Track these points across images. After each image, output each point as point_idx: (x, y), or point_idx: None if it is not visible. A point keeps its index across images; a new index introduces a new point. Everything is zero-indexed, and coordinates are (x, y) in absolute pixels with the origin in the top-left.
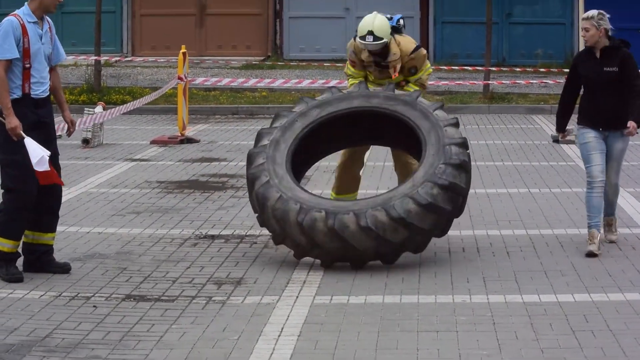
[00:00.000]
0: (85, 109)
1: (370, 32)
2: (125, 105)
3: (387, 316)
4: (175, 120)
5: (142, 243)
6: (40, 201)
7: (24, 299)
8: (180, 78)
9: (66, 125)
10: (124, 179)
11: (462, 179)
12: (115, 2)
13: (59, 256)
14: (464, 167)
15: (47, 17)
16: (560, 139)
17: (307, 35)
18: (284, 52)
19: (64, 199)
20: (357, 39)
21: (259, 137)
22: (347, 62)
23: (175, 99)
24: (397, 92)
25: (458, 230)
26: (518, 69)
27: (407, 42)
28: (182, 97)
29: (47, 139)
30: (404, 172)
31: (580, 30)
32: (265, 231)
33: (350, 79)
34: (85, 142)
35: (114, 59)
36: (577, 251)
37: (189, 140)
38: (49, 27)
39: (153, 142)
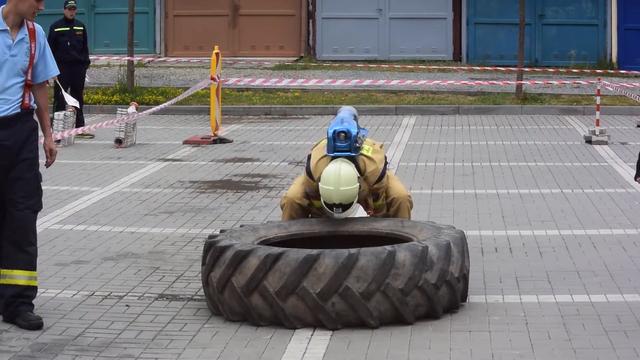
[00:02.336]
0: (118, 109)
1: (339, 205)
2: (156, 106)
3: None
4: (208, 121)
5: (175, 242)
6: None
7: (56, 298)
8: (213, 78)
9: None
10: (157, 178)
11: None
12: (148, 2)
13: (92, 255)
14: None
15: (31, 26)
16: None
17: (340, 36)
18: (317, 52)
19: (97, 198)
20: (323, 205)
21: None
22: (297, 187)
23: (208, 99)
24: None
25: (491, 230)
26: (551, 70)
27: (371, 170)
28: (215, 98)
29: (4, 165)
30: None
31: None
32: None
33: (284, 210)
34: (118, 142)
35: (146, 60)
36: (610, 251)
37: (222, 140)
38: (31, 37)
39: (186, 142)
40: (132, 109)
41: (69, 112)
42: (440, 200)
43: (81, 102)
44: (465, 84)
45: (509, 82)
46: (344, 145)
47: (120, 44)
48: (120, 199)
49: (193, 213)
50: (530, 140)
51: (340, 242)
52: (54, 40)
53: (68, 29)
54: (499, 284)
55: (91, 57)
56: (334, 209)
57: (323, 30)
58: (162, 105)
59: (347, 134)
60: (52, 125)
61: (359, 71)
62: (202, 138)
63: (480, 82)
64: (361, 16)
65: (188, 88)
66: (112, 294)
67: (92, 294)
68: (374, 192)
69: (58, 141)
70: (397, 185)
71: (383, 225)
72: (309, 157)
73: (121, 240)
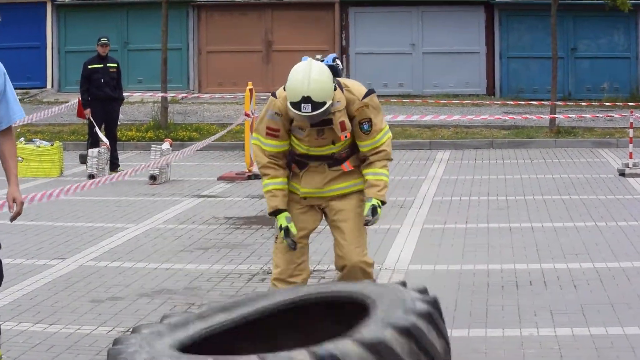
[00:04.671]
0: (152, 145)
1: (307, 99)
2: (193, 145)
3: (455, 350)
4: (242, 157)
5: (210, 279)
6: None
7: (92, 335)
8: (247, 114)
9: (15, 203)
10: (192, 215)
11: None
12: (181, 39)
13: (127, 292)
14: (435, 323)
15: None
16: None
17: (374, 71)
18: None
19: (131, 235)
20: (289, 106)
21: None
22: (256, 138)
23: (243, 135)
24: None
25: (525, 263)
26: (584, 103)
27: (355, 84)
28: (249, 134)
29: None
30: None
31: None
32: (333, 266)
33: (265, 175)
34: (153, 178)
35: (180, 96)
36: None
37: (257, 177)
38: None
39: (220, 179)
40: (166, 145)
41: (102, 149)
42: (475, 235)
43: (115, 139)
44: (498, 118)
45: (542, 115)
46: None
47: (154, 81)
48: (155, 236)
49: (228, 249)
50: (564, 173)
51: (293, 313)
52: (88, 77)
53: (101, 65)
54: (534, 317)
55: (125, 94)
56: (302, 105)
57: (357, 65)
58: (203, 143)
59: (320, 59)
60: (86, 162)
61: (392, 106)
62: (236, 174)
63: (514, 116)
64: (394, 51)
65: (222, 124)
66: None
67: (128, 331)
68: (361, 119)
69: (92, 177)
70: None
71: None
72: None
73: (156, 277)
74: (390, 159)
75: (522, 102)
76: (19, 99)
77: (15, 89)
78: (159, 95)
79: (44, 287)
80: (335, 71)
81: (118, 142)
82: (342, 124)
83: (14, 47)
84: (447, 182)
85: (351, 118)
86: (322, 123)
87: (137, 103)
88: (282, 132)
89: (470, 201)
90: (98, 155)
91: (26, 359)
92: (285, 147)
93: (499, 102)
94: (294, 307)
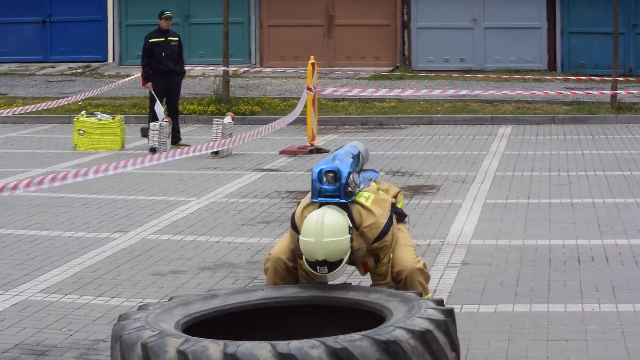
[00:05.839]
0: (214, 119)
1: (323, 262)
2: (261, 128)
3: (517, 325)
4: (304, 131)
5: None
6: None
7: None
8: (309, 88)
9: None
10: (254, 188)
11: (446, 347)
12: (242, 13)
13: (189, 265)
14: (447, 332)
15: None
16: None
17: (435, 45)
18: (412, 62)
19: (193, 208)
20: (305, 262)
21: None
22: (283, 244)
23: (305, 109)
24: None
25: (587, 239)
26: None
27: (369, 223)
28: (311, 108)
29: None
30: None
31: None
32: None
33: (267, 273)
34: (215, 152)
35: (242, 70)
36: None
37: (319, 150)
38: None
39: (282, 152)
40: (228, 119)
41: (164, 123)
42: (536, 210)
43: (176, 113)
44: (560, 93)
45: (603, 91)
46: (332, 188)
47: (215, 55)
48: (217, 209)
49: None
50: (625, 149)
51: (299, 314)
52: (149, 51)
53: (163, 39)
54: (596, 293)
55: (186, 68)
56: (318, 267)
57: (418, 40)
58: (270, 127)
59: (335, 174)
60: (147, 135)
61: (454, 81)
62: (298, 148)
63: (575, 91)
64: (456, 26)
65: (284, 98)
66: None
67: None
68: (374, 253)
69: (153, 150)
70: (405, 253)
71: (350, 295)
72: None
73: (218, 250)
74: (391, 286)
75: (584, 78)
76: (80, 73)
77: (76, 62)
78: (221, 69)
79: (106, 260)
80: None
81: (180, 115)
82: (365, 264)
83: (75, 20)
84: (509, 157)
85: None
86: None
87: (199, 77)
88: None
89: (532, 176)
90: (160, 128)
91: (88, 332)
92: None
93: (560, 78)
94: (309, 305)
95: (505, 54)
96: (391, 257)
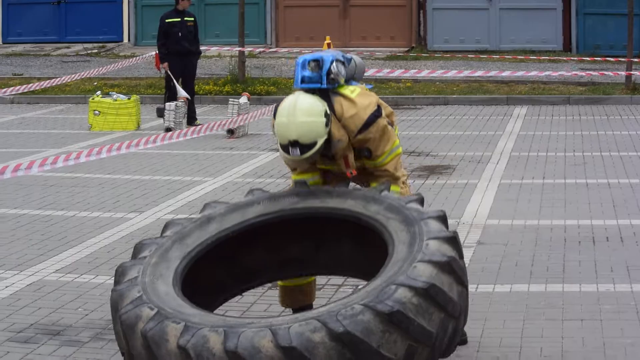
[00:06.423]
0: (230, 99)
1: (295, 143)
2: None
3: (532, 304)
4: None
5: None
6: None
7: None
8: None
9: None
10: (269, 168)
11: (452, 290)
12: None
13: None
14: (452, 270)
15: None
16: None
17: (451, 26)
18: (428, 43)
19: (209, 188)
20: (279, 148)
21: (139, 248)
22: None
23: None
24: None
25: (602, 219)
26: None
27: (350, 114)
28: None
29: None
30: None
31: None
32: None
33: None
34: (230, 132)
35: (258, 50)
36: None
37: None
38: None
39: None
40: (243, 99)
41: (180, 103)
42: (552, 190)
43: (192, 93)
44: (575, 74)
45: (618, 72)
46: (314, 75)
47: (231, 35)
48: (233, 189)
49: None
50: None
51: (298, 225)
52: (165, 31)
53: (179, 19)
54: (610, 273)
55: (202, 48)
56: (290, 149)
57: (434, 20)
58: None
59: (318, 62)
60: (163, 115)
61: (470, 61)
62: None
63: (590, 72)
64: (471, 6)
65: None
66: None
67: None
68: (360, 147)
69: (169, 130)
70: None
71: (348, 204)
72: None
73: None
74: (396, 178)
75: (599, 59)
76: (95, 53)
77: (91, 42)
78: (237, 49)
79: (122, 240)
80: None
81: (195, 95)
82: (346, 159)
83: (90, 1)
84: (524, 137)
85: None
86: (327, 157)
87: (214, 57)
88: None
89: (547, 157)
90: (175, 108)
91: (103, 312)
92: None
93: (575, 59)
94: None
95: (521, 35)
96: (386, 153)
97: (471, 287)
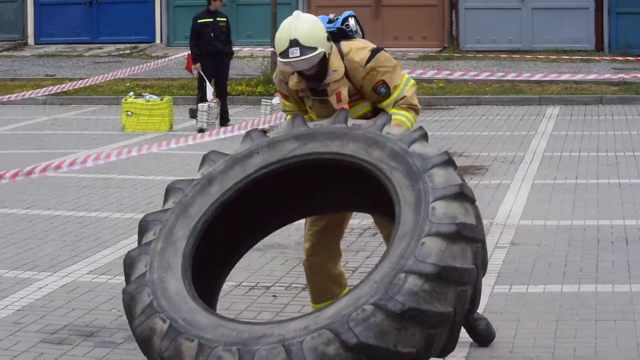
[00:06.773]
0: (262, 100)
1: (295, 42)
2: None
3: (565, 305)
4: None
5: None
6: None
7: None
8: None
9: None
10: None
11: (465, 257)
12: None
13: None
14: (462, 236)
15: None
16: None
17: (483, 26)
18: (460, 43)
19: None
20: (279, 61)
21: (145, 228)
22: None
23: None
24: (353, 121)
25: (635, 219)
26: None
27: (358, 47)
28: None
29: None
30: None
31: None
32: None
33: (287, 116)
34: (263, 132)
35: None
36: None
37: None
38: None
39: None
40: (276, 99)
41: (212, 104)
42: (584, 190)
43: (225, 94)
44: (608, 77)
45: None
46: (331, 25)
47: (263, 35)
48: None
49: None
50: None
51: (303, 171)
52: (198, 32)
53: (211, 20)
54: None
55: (234, 49)
56: (290, 49)
57: (466, 20)
58: None
59: (337, 18)
60: (196, 116)
61: (502, 61)
62: None
63: (623, 73)
64: (504, 6)
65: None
66: (258, 285)
67: (239, 285)
68: (375, 85)
69: (202, 131)
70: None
71: (350, 149)
72: None
73: None
74: (413, 105)
75: (631, 58)
76: (127, 54)
77: (123, 43)
78: (269, 50)
79: None
80: (343, 33)
81: (228, 96)
82: (339, 95)
83: (122, 1)
84: (557, 137)
85: (360, 86)
86: (320, 93)
87: (247, 58)
88: (291, 96)
89: (580, 157)
90: (208, 109)
91: None
92: (302, 109)
93: (607, 58)
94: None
95: (553, 35)
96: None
97: (504, 288)
